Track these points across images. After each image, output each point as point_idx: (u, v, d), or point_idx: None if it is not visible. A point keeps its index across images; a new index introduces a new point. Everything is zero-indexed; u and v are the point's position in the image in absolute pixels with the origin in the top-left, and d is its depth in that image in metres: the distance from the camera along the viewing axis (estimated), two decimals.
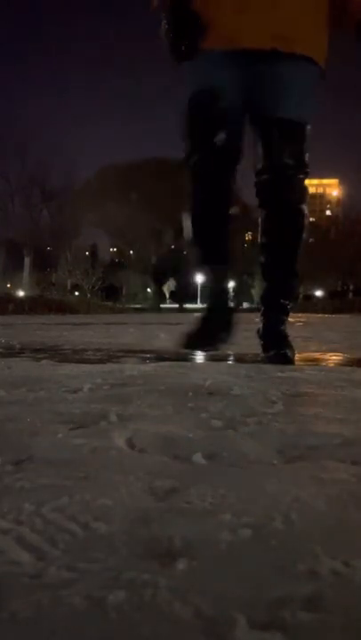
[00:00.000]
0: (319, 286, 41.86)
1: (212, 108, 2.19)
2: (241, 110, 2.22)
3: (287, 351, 2.13)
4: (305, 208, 2.27)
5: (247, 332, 2.47)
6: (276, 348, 2.15)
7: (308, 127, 2.22)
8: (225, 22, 2.11)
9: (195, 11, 2.12)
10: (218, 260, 2.34)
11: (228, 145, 2.20)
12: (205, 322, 2.34)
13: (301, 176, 2.23)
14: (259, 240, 2.31)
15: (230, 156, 2.25)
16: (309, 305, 29.15)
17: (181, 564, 0.43)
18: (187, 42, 2.13)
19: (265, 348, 2.21)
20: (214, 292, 2.38)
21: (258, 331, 2.31)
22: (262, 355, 2.20)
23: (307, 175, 2.25)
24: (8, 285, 30.59)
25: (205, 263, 2.37)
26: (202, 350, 2.42)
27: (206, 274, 2.41)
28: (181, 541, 0.48)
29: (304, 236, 2.27)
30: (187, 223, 2.35)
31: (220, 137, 2.19)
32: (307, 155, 2.23)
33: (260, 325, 2.30)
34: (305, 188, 2.29)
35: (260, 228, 2.29)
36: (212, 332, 2.30)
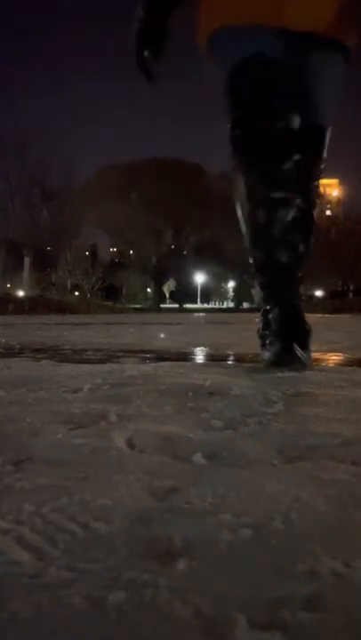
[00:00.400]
0: (319, 286, 41.85)
1: (268, 71, 1.97)
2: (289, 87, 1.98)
3: None
4: (315, 214, 2.20)
5: (247, 332, 2.47)
6: None
7: (330, 129, 2.08)
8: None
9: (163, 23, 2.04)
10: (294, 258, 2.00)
11: (287, 114, 1.96)
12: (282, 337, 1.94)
13: (317, 182, 2.16)
14: None
15: (292, 133, 1.97)
16: (309, 305, 29.13)
17: (181, 564, 0.43)
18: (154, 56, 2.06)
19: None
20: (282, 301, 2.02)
21: (258, 330, 2.29)
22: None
23: (320, 178, 2.16)
24: (8, 285, 30.57)
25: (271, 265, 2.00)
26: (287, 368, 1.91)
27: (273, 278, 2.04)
28: (181, 541, 0.48)
29: (312, 240, 2.19)
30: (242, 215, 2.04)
31: (282, 103, 1.97)
32: (324, 159, 2.10)
33: (260, 325, 2.28)
34: (317, 194, 2.22)
35: None
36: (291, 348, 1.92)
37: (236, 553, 0.46)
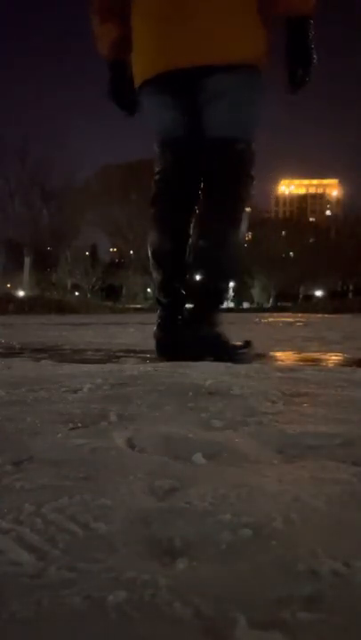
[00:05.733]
0: (319, 286, 41.83)
1: (165, 148, 2.32)
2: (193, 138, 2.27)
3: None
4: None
5: (247, 332, 2.47)
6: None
7: (242, 145, 2.20)
8: (153, 49, 2.19)
9: (128, 80, 2.33)
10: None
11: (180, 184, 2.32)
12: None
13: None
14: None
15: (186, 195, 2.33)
16: (309, 305, 29.14)
17: (181, 564, 0.43)
18: (126, 103, 2.42)
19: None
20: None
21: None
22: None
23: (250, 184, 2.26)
24: (8, 285, 30.56)
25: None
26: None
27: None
28: (181, 541, 0.48)
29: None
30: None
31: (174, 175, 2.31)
32: (248, 175, 2.23)
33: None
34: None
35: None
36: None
37: (236, 553, 0.46)
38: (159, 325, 2.36)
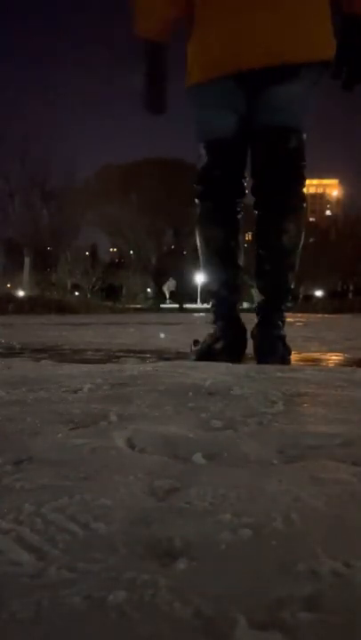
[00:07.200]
0: (319, 286, 41.82)
1: (214, 150, 2.21)
2: (243, 139, 2.21)
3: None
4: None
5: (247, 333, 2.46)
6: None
7: (304, 135, 2.18)
8: (224, 44, 2.04)
9: (164, 72, 2.17)
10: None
11: (227, 180, 2.23)
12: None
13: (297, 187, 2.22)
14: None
15: (230, 191, 2.25)
16: (309, 305, 29.12)
17: (181, 564, 0.43)
18: (158, 100, 2.21)
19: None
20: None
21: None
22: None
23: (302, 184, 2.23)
24: (8, 285, 30.52)
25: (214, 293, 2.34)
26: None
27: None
28: (181, 541, 0.48)
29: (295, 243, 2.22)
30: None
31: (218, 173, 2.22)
32: (303, 163, 2.21)
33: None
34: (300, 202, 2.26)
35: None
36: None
37: (236, 553, 0.46)
38: (224, 327, 2.31)
